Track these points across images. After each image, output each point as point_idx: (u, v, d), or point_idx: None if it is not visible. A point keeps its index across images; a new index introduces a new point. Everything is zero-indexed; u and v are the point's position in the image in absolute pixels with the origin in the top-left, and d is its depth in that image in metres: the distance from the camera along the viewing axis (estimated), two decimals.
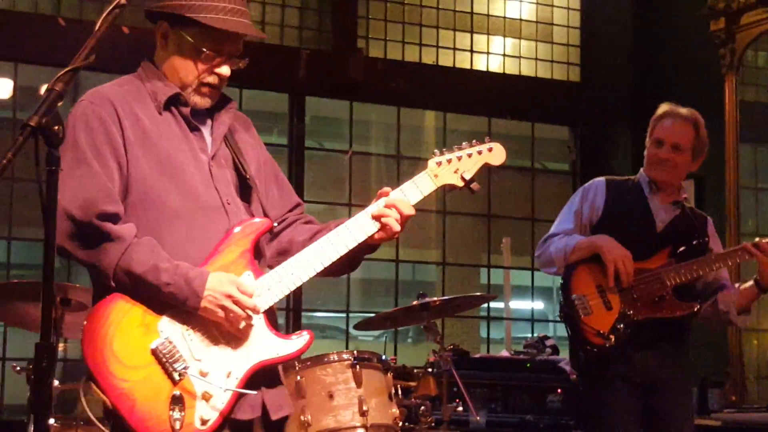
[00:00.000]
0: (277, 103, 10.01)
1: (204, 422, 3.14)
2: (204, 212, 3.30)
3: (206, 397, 3.15)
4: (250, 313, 3.20)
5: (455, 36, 10.40)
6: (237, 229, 3.30)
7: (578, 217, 5.36)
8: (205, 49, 3.35)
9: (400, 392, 5.54)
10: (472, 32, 10.49)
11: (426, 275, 12.81)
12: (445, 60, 10.36)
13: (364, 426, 5.15)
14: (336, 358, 5.28)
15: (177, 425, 3.07)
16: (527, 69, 10.69)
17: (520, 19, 10.73)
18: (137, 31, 8.12)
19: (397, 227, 3.42)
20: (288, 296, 9.33)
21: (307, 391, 5.16)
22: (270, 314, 3.33)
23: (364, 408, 5.14)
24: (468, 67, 10.45)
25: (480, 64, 10.56)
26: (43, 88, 2.95)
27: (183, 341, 3.18)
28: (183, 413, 3.09)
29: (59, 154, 2.63)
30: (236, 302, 3.16)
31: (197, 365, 3.17)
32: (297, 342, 3.30)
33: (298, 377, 5.18)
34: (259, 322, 3.27)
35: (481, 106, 10.34)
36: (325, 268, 3.37)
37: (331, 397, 5.16)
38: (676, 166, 5.27)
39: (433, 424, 5.85)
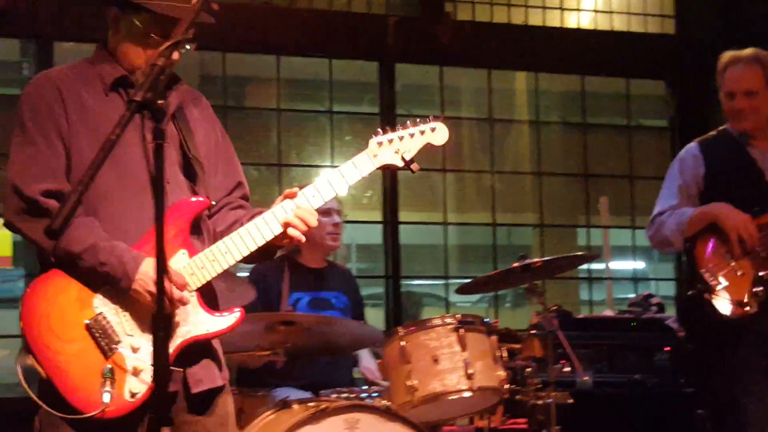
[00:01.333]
0: (366, 72, 9.96)
1: (133, 395, 3.25)
2: (141, 191, 3.37)
3: (136, 372, 3.26)
4: (177, 301, 3.27)
5: None
6: (172, 209, 3.35)
7: (683, 191, 5.24)
8: (153, 35, 3.41)
9: (504, 355, 5.48)
10: None
11: (522, 238, 12.71)
12: (535, 19, 10.22)
13: (470, 389, 5.12)
14: (440, 323, 5.26)
15: (107, 397, 3.19)
16: (620, 24, 10.50)
17: None
18: (225, 6, 8.17)
19: (302, 239, 3.45)
20: (386, 264, 9.42)
21: (412, 356, 5.15)
22: (204, 291, 3.40)
23: (470, 371, 5.11)
24: (558, 25, 10.30)
25: (570, 21, 10.41)
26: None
27: (116, 317, 3.29)
28: (113, 386, 3.21)
29: (164, 127, 2.78)
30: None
31: (129, 340, 3.28)
32: (227, 319, 3.38)
33: (402, 342, 5.16)
34: (191, 299, 3.35)
35: (573, 64, 10.17)
36: (251, 253, 3.42)
37: (436, 361, 5.14)
38: (757, 110, 5.15)
39: (539, 386, 5.80)
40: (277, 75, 9.44)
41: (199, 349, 3.40)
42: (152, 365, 3.01)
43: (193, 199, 3.44)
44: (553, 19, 10.30)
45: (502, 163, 10.40)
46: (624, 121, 10.72)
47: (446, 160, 9.97)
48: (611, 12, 10.50)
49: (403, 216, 9.62)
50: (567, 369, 6.00)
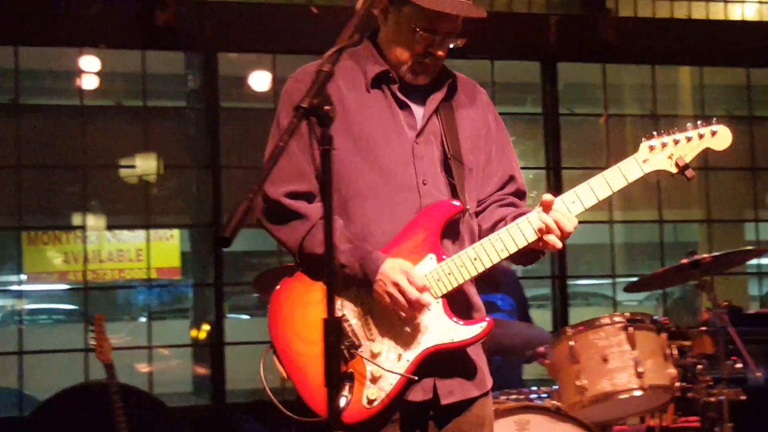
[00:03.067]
0: (528, 72, 9.96)
1: (370, 402, 3.15)
2: (395, 191, 3.26)
3: (374, 378, 3.15)
4: (414, 303, 3.14)
5: None
6: (423, 212, 3.25)
7: None
8: (419, 29, 3.28)
9: (675, 352, 5.42)
10: None
11: (688, 235, 12.54)
12: (698, 12, 10.07)
13: (641, 387, 5.08)
14: (608, 321, 5.23)
15: (343, 401, 3.08)
16: None
17: None
18: (324, 10, 8.31)
19: (558, 245, 3.23)
20: (552, 264, 9.39)
21: (581, 355, 5.14)
22: (452, 298, 3.25)
23: (640, 370, 5.07)
24: (722, 17, 10.14)
25: (734, 13, 10.22)
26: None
27: (359, 321, 3.20)
28: (351, 391, 3.11)
29: (332, 133, 2.65)
30: (401, 291, 3.11)
31: (369, 345, 3.18)
32: (473, 328, 3.22)
33: (571, 342, 5.15)
34: (436, 306, 3.20)
35: (738, 57, 10.00)
36: (501, 259, 3.27)
37: (605, 360, 5.12)
38: None
39: (711, 383, 5.72)
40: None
41: (450, 358, 3.26)
42: (388, 371, 3.02)
43: (446, 202, 3.29)
44: (717, 12, 10.14)
45: None
46: None
47: (610, 158, 9.89)
48: None
49: None
50: (739, 365, 5.91)
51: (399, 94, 3.35)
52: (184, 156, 9.98)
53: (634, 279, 6.54)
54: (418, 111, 3.38)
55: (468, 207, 3.34)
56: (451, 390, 3.28)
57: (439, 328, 3.21)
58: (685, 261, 5.72)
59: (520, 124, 10.42)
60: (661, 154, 3.32)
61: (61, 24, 8.41)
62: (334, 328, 2.62)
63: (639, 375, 5.07)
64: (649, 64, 10.02)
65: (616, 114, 10.33)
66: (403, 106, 3.35)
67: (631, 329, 5.15)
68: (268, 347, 3.25)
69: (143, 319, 11.57)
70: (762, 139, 10.36)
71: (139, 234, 10.34)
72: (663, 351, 5.28)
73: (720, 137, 3.38)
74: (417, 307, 3.15)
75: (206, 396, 9.33)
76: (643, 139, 3.32)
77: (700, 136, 3.37)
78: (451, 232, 3.32)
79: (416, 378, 3.17)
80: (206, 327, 9.43)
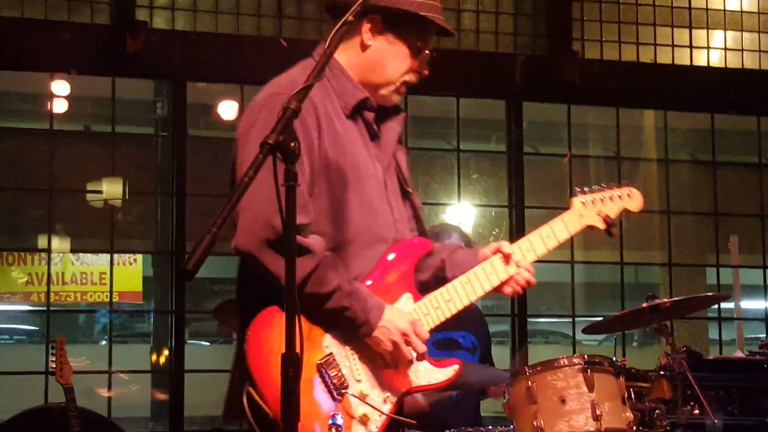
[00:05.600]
0: (493, 110, 10.03)
1: None
2: (382, 229, 3.28)
3: (364, 420, 3.13)
4: (420, 356, 3.18)
5: (673, 32, 10.20)
6: (398, 250, 3.27)
7: None
8: (426, 49, 3.33)
9: (633, 396, 5.46)
10: (690, 27, 10.27)
11: (650, 277, 12.63)
12: (664, 57, 10.18)
13: (598, 431, 5.10)
14: (566, 363, 5.23)
15: None
16: (750, 62, 10.40)
17: (741, 11, 10.45)
18: (293, 42, 8.36)
19: (519, 293, 3.40)
20: (513, 302, 9.43)
21: (538, 396, 5.13)
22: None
23: (598, 412, 5.07)
24: (688, 63, 10.24)
25: (700, 59, 10.34)
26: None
27: (346, 360, 3.16)
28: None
29: (296, 170, 2.61)
30: (408, 342, 3.14)
31: (357, 386, 3.15)
32: (446, 371, 3.29)
33: (529, 383, 5.16)
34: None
35: (703, 102, 10.12)
36: (470, 302, 3.34)
37: (563, 401, 5.12)
38: None
39: (668, 428, 5.75)
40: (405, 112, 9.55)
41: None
42: (385, 413, 3.04)
43: (417, 241, 3.34)
44: (683, 57, 10.25)
45: None
46: (755, 158, 10.60)
47: (574, 197, 9.95)
48: (741, 50, 10.41)
49: None
50: (696, 411, 5.94)
51: (373, 124, 3.34)
52: (150, 182, 9.99)
53: (594, 318, 6.59)
54: (382, 141, 3.38)
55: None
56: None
57: (418, 371, 3.25)
58: (645, 305, 5.77)
59: (485, 162, 10.48)
60: (592, 210, 3.51)
61: (33, 49, 8.41)
62: (292, 363, 2.58)
63: (596, 417, 5.07)
64: (614, 106, 10.11)
65: (579, 155, 10.41)
66: (374, 137, 3.36)
67: (589, 371, 5.16)
68: (248, 384, 3.06)
69: (104, 343, 11.55)
70: (724, 184, 10.47)
71: (103, 258, 10.36)
72: (621, 394, 5.29)
73: (634, 198, 3.61)
74: (420, 359, 3.18)
75: (164, 422, 9.29)
76: (575, 193, 3.52)
77: (620, 197, 3.57)
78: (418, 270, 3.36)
79: (413, 422, 3.21)
80: (166, 353, 9.40)
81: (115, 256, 9.69)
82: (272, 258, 3.01)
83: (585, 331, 6.54)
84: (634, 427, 5.27)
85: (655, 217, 10.34)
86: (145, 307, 13.15)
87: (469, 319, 6.29)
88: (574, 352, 9.33)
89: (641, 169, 10.72)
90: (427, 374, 3.26)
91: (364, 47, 3.33)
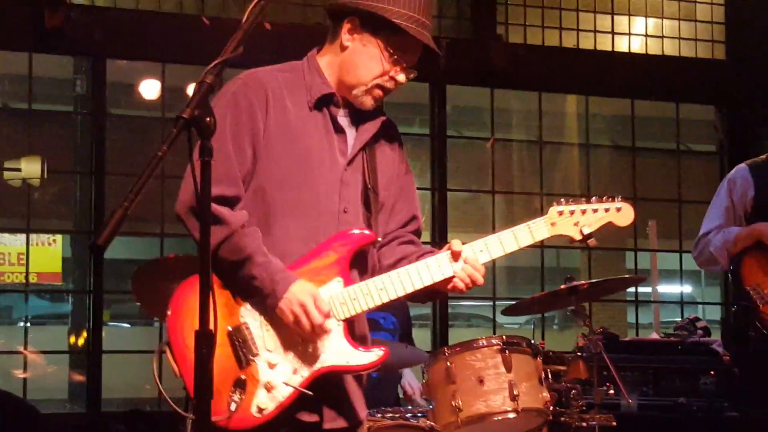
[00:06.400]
0: (418, 94, 10.04)
1: (260, 410, 3.19)
2: (319, 215, 3.32)
3: (268, 387, 3.20)
4: (317, 327, 3.19)
5: (596, 18, 10.31)
6: (336, 237, 3.31)
7: (729, 211, 5.25)
8: (396, 54, 3.35)
9: (550, 377, 5.51)
10: (612, 14, 10.38)
11: (571, 261, 12.73)
12: (586, 43, 10.28)
13: (515, 410, 5.13)
14: (485, 344, 5.27)
15: (233, 407, 3.13)
16: (670, 48, 10.54)
17: None
18: (279, 27, 8.28)
19: (464, 291, 3.40)
20: None
21: (457, 376, 5.17)
22: (352, 323, 3.33)
23: (515, 392, 5.12)
24: (609, 49, 10.36)
25: (621, 45, 10.45)
26: (190, 87, 2.96)
27: (259, 330, 3.24)
28: (242, 397, 3.15)
29: (211, 145, 2.63)
30: (306, 313, 3.16)
31: (267, 356, 3.22)
32: (370, 355, 3.29)
33: (448, 363, 5.19)
34: (337, 328, 3.27)
35: (623, 88, 10.22)
36: (406, 294, 3.34)
37: (481, 382, 5.16)
38: None
39: (584, 408, 5.81)
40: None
41: (338, 384, 3.35)
42: (284, 383, 3.04)
43: (358, 231, 3.36)
44: (604, 43, 10.35)
45: (552, 185, 10.44)
46: (673, 145, 10.74)
47: (495, 182, 10.02)
48: (662, 37, 10.54)
49: (451, 237, 9.66)
50: (612, 392, 6.01)
51: (338, 119, 3.40)
52: (69, 161, 9.86)
53: (514, 302, 6.62)
54: (351, 138, 3.43)
55: (380, 239, 3.44)
56: (336, 416, 3.34)
57: (337, 350, 3.26)
58: (563, 287, 5.82)
59: (408, 144, 10.41)
60: (569, 220, 3.45)
61: None
62: (206, 340, 2.61)
63: (513, 398, 5.11)
64: (537, 91, 10.18)
65: (502, 138, 10.47)
66: (339, 131, 3.40)
67: (507, 352, 5.20)
68: (164, 343, 3.23)
69: (21, 324, 11.39)
70: (644, 170, 10.57)
71: (21, 238, 10.19)
72: (538, 374, 5.34)
73: (623, 214, 3.49)
74: (318, 331, 3.20)
75: (81, 404, 9.21)
76: (554, 203, 3.45)
77: (606, 210, 3.48)
78: (359, 262, 3.38)
79: (311, 393, 3.20)
80: (85, 334, 9.31)
81: (35, 236, 9.61)
82: (194, 224, 3.16)
83: (505, 312, 6.58)
84: (551, 407, 5.33)
85: None
86: (65, 288, 13.01)
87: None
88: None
89: (563, 153, 10.80)
90: (347, 355, 3.28)
91: (342, 48, 3.41)
